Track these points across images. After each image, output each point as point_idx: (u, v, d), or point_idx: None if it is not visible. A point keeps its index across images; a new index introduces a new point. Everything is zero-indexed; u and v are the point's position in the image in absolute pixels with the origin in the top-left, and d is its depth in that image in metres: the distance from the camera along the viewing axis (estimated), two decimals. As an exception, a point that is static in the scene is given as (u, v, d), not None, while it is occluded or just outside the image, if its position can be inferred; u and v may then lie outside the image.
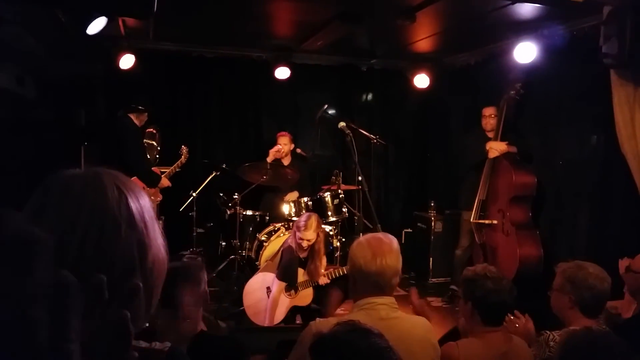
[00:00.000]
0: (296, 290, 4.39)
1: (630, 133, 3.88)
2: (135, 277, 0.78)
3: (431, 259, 5.88)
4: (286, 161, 5.80)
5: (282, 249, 4.44)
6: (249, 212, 5.52)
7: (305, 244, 4.22)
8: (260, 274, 4.59)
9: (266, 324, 4.26)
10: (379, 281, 2.01)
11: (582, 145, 4.74)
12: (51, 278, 0.57)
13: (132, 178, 4.71)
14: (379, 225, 4.19)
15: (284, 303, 4.36)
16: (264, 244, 5.30)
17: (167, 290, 2.01)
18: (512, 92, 4.81)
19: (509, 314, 2.37)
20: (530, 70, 4.76)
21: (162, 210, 5.24)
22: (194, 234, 5.48)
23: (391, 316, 1.98)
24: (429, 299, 5.41)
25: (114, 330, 0.70)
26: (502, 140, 4.93)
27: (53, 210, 0.76)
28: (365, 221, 4.96)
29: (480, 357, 2.12)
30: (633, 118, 3.86)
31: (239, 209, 5.33)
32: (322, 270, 4.34)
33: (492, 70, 5.50)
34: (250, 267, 5.49)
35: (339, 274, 4.27)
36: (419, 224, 6.20)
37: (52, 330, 0.56)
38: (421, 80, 6.19)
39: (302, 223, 4.22)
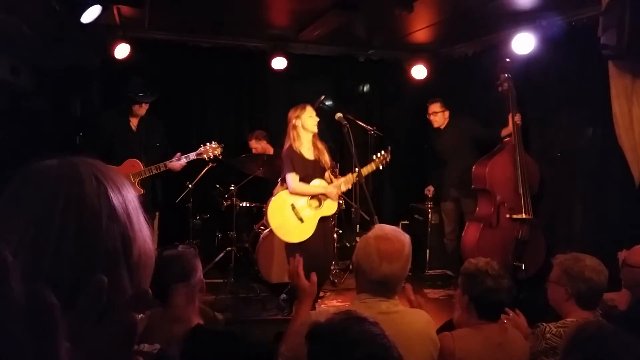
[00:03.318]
0: (320, 202, 4.28)
1: (628, 124, 3.88)
2: (121, 272, 0.75)
3: (428, 250, 5.88)
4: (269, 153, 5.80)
5: (280, 158, 4.28)
6: (246, 204, 5.51)
7: (315, 121, 4.11)
8: (275, 197, 4.37)
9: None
10: (382, 288, 1.98)
11: (579, 136, 4.73)
12: (24, 298, 0.56)
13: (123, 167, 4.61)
14: (376, 217, 4.17)
15: (313, 216, 4.24)
16: (261, 235, 5.29)
17: (160, 285, 1.97)
18: (502, 77, 4.79)
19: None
20: (528, 61, 4.74)
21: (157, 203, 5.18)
22: (190, 225, 5.46)
23: (392, 310, 1.96)
24: (426, 290, 5.42)
25: (118, 334, 0.68)
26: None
27: (27, 203, 0.73)
28: (362, 213, 4.95)
29: (475, 348, 2.12)
30: (630, 109, 3.85)
31: (236, 201, 5.31)
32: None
33: (490, 61, 5.47)
34: (247, 259, 5.49)
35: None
36: (415, 216, 6.20)
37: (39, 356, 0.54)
38: (419, 71, 6.17)
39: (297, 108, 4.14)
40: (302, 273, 2.21)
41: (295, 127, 4.12)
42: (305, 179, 4.19)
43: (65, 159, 0.78)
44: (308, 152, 4.19)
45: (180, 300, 1.97)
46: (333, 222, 5.30)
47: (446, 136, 5.56)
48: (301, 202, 4.24)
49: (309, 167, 4.19)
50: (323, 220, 4.28)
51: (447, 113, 5.57)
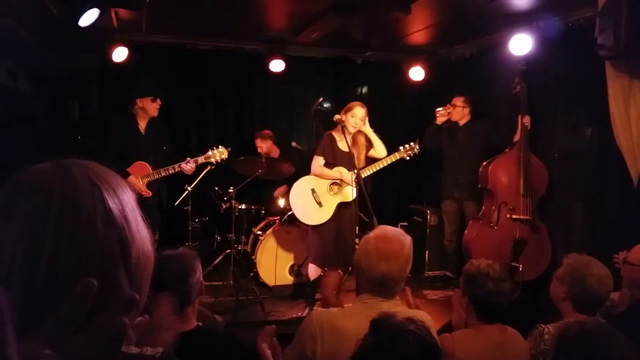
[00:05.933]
0: (340, 188, 4.53)
1: (625, 124, 3.89)
2: (119, 275, 0.73)
3: (427, 252, 5.88)
4: (274, 155, 5.80)
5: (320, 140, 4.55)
6: (245, 206, 5.50)
7: (358, 123, 4.37)
8: (298, 181, 4.65)
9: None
10: (381, 287, 1.99)
11: (577, 137, 4.73)
12: None
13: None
14: (375, 219, 4.18)
15: (332, 201, 4.53)
16: (260, 237, 5.29)
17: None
18: (517, 79, 4.81)
19: None
20: (526, 62, 4.75)
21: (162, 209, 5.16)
22: (190, 228, 5.45)
23: (393, 311, 1.96)
24: (425, 292, 5.42)
25: (104, 339, 0.65)
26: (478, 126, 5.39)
27: (20, 210, 0.71)
28: (361, 214, 4.95)
29: (475, 349, 2.13)
30: (628, 110, 3.86)
31: (235, 203, 5.31)
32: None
33: (487, 62, 5.48)
34: (247, 261, 5.49)
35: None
36: (414, 217, 6.19)
37: None
38: (416, 73, 6.18)
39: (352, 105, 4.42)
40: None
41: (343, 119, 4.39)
42: (334, 165, 4.50)
43: (58, 161, 0.76)
44: (342, 143, 4.43)
45: (165, 310, 1.93)
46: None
47: (462, 135, 5.45)
48: (322, 188, 4.53)
49: (340, 156, 4.47)
50: (343, 205, 4.54)
51: (466, 110, 5.42)
